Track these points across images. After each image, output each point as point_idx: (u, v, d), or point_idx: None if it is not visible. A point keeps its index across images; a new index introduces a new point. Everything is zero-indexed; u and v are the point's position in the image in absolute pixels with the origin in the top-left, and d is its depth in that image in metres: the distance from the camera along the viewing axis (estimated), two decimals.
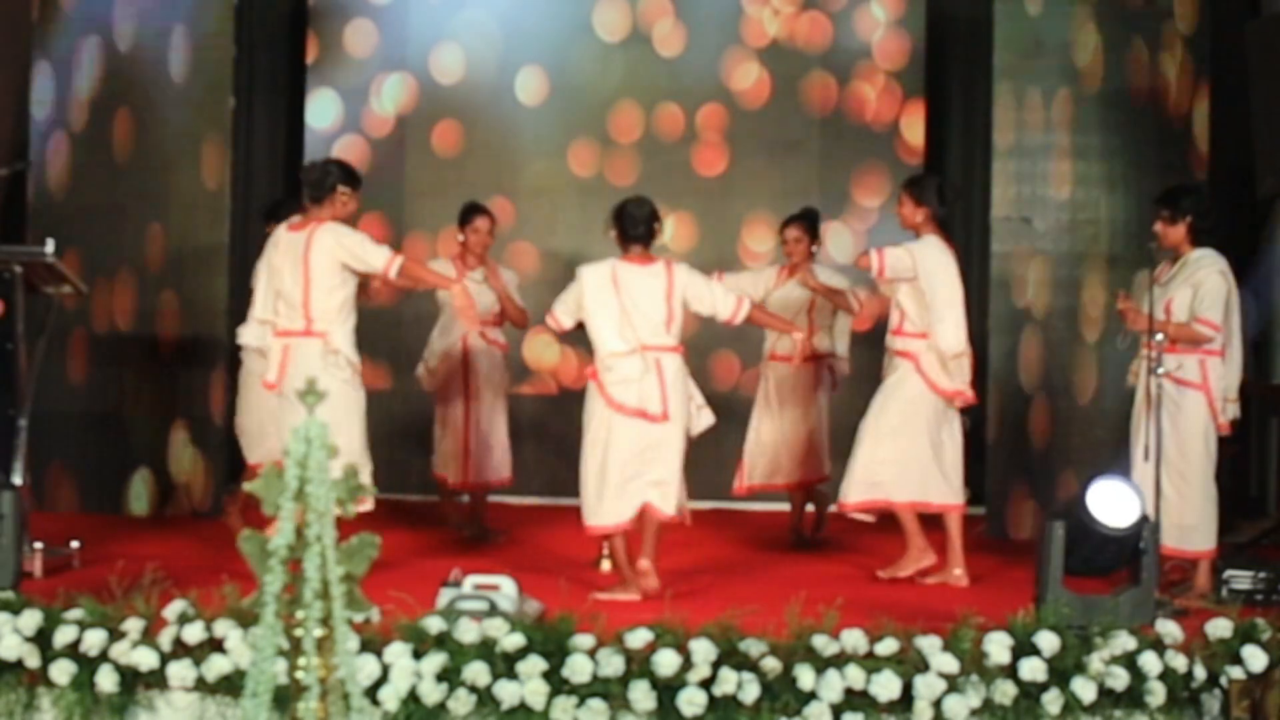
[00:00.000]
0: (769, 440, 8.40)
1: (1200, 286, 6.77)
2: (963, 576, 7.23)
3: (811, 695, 5.09)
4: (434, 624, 5.25)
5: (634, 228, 6.94)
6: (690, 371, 7.01)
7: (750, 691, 5.09)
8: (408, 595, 5.45)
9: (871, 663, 5.14)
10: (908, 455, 7.24)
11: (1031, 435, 8.82)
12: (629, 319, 6.82)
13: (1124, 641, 5.28)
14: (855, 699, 5.10)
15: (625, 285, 6.87)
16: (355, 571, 3.33)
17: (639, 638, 5.18)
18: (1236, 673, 5.26)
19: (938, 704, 5.12)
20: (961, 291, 7.33)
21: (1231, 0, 9.12)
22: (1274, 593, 6.51)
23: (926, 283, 7.21)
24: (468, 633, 5.20)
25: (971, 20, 9.83)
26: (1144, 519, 5.79)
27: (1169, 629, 5.38)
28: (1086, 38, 8.83)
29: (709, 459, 8.42)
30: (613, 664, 5.11)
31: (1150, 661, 5.24)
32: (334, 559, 3.26)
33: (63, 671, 5.27)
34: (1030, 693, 5.16)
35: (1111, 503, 5.83)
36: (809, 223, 8.40)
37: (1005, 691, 5.15)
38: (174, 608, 5.36)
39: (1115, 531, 5.73)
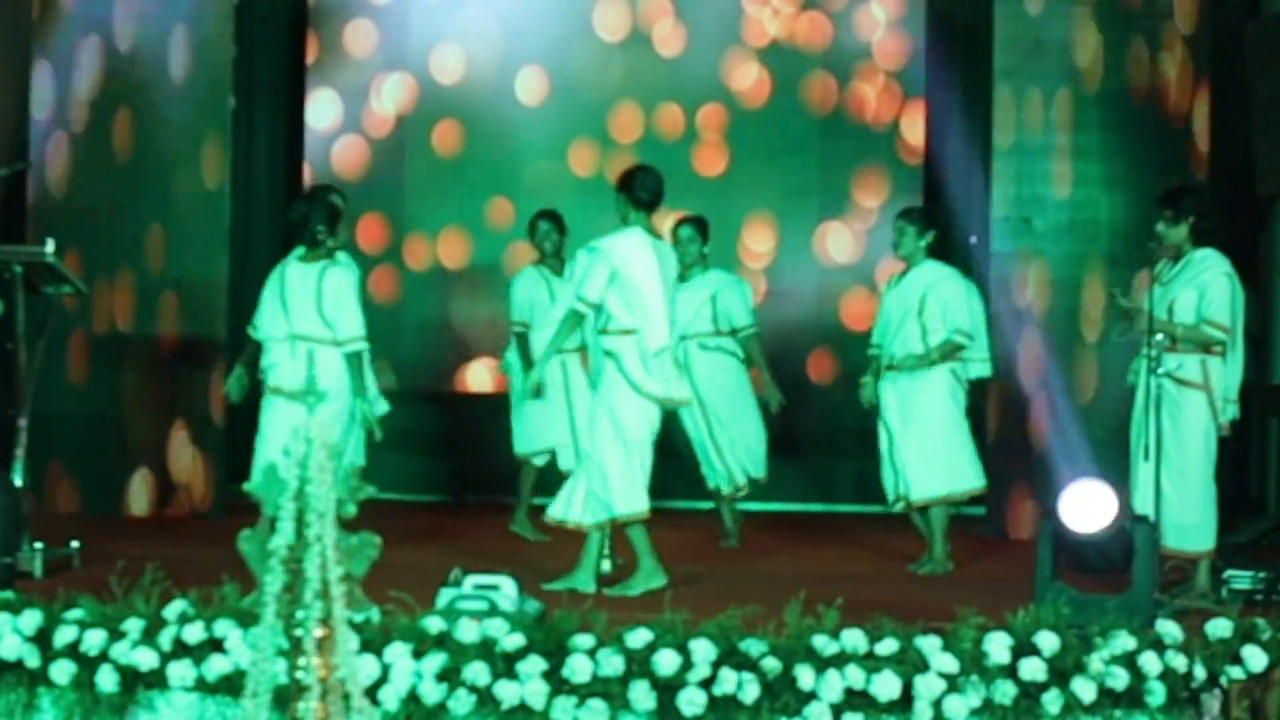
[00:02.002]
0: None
1: (1208, 289, 6.75)
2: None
3: (811, 695, 5.09)
4: (434, 624, 5.25)
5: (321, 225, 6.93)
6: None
7: (750, 691, 5.09)
8: (408, 595, 5.46)
9: (871, 663, 5.13)
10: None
11: (1031, 435, 8.81)
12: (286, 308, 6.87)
13: (1124, 641, 5.28)
14: (855, 699, 5.10)
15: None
16: (355, 571, 3.33)
17: (639, 638, 5.17)
18: (1236, 673, 5.25)
19: (938, 704, 5.11)
20: (661, 284, 6.87)
21: (1231, 0, 9.12)
22: (1274, 593, 6.51)
23: (632, 276, 6.76)
24: (468, 633, 5.20)
25: (971, 20, 9.82)
26: (1124, 518, 5.78)
27: (1169, 629, 5.37)
28: (1086, 38, 8.83)
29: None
30: (613, 664, 5.11)
31: (1150, 661, 5.23)
32: (334, 559, 3.26)
33: (63, 671, 5.26)
34: (1030, 693, 5.15)
35: (1087, 505, 5.82)
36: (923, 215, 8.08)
37: (1005, 691, 5.15)
38: (174, 608, 5.37)
39: (1090, 537, 5.73)
